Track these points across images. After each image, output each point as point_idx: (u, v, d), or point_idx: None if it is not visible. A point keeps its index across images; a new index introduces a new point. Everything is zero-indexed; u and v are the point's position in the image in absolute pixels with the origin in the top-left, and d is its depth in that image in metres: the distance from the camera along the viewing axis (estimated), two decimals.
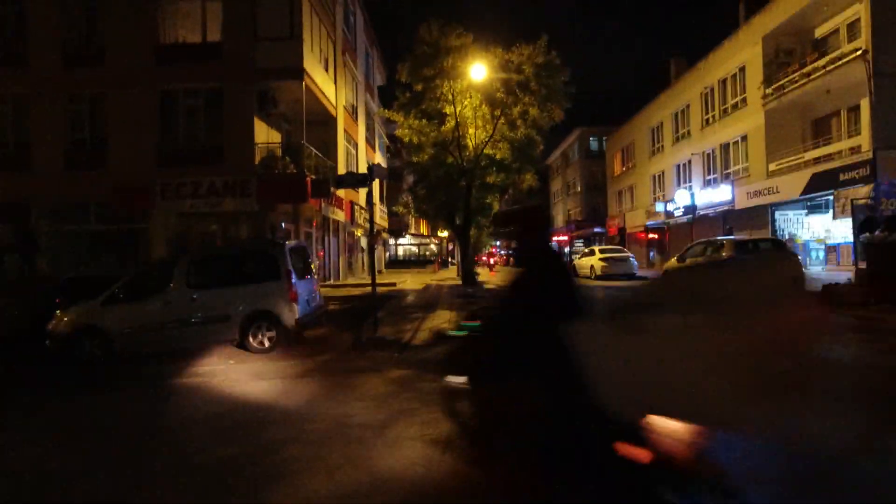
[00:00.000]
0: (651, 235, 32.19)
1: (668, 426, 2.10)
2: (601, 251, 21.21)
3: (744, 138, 21.18)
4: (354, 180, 8.83)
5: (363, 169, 24.58)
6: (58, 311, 7.89)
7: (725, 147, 22.69)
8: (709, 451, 2.12)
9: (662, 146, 29.31)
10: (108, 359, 7.36)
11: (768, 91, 18.72)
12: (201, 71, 14.81)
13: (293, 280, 7.90)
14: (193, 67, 14.82)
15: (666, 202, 27.81)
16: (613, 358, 2.10)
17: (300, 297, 8.00)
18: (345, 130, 20.87)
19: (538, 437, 2.41)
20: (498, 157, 18.19)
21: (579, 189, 47.16)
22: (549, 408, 2.38)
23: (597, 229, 41.07)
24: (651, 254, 32.95)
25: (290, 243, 8.51)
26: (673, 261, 13.67)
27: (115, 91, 14.99)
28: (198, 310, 7.62)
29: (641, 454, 2.14)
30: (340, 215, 19.41)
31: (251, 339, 7.65)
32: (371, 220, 8.74)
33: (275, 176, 14.50)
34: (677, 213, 26.35)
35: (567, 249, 47.99)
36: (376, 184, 29.53)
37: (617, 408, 2.10)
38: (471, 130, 18.47)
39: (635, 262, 20.98)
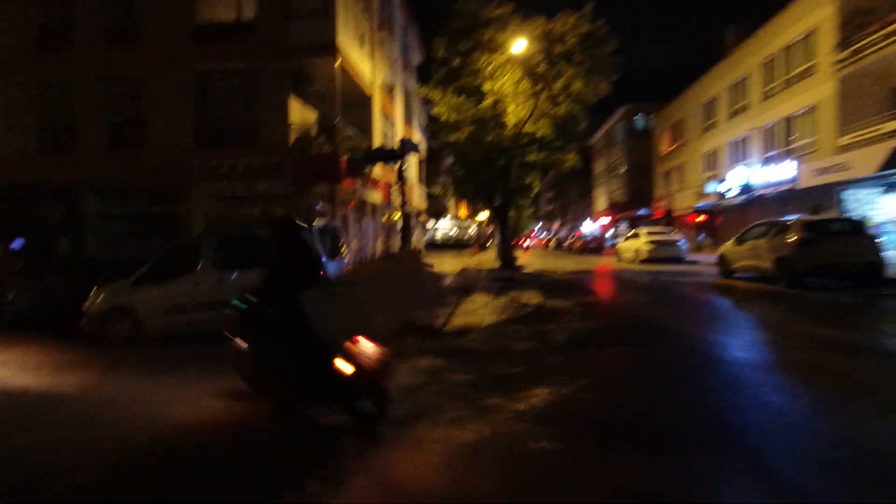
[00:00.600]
0: (701, 218, 30.46)
1: (366, 348, 3.54)
2: (648, 233, 20.09)
3: (811, 110, 19.39)
4: (385, 155, 8.40)
5: None
6: (92, 292, 7.87)
7: (789, 120, 20.88)
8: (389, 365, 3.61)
9: (716, 122, 27.42)
10: (138, 340, 7.27)
11: (843, 55, 16.94)
12: (236, 50, 14.63)
13: (323, 261, 7.57)
14: (228, 47, 14.65)
15: (718, 182, 26.09)
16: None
17: (336, 269, 7.70)
18: (381, 109, 20.43)
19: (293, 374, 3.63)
20: (539, 134, 17.36)
21: (623, 170, 45.23)
22: (294, 349, 3.62)
23: (641, 211, 39.30)
24: (700, 237, 31.23)
25: (318, 223, 8.19)
26: (729, 243, 12.59)
27: (153, 72, 15.03)
28: (225, 291, 7.42)
29: (347, 369, 3.44)
30: (377, 197, 19.09)
31: None
32: (403, 197, 8.25)
33: (309, 156, 14.24)
34: (731, 193, 24.66)
35: (610, 232, 46.41)
36: (414, 165, 29.18)
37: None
38: (510, 107, 17.68)
39: (684, 246, 19.76)
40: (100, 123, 15.36)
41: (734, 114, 25.52)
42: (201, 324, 7.40)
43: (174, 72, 14.86)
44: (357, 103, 18.32)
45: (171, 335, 7.33)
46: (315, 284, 3.97)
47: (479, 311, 8.16)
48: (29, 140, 15.59)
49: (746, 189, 23.35)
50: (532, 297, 9.37)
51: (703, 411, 3.56)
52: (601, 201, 53.75)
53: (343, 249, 9.16)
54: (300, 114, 15.07)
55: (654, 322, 7.09)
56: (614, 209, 44.98)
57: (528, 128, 17.41)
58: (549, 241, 58.50)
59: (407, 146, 7.83)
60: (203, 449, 3.41)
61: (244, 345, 4.10)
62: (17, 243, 16.41)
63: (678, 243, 19.45)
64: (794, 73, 20.34)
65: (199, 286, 7.42)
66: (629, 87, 41.23)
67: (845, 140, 17.37)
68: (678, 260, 19.45)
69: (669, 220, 34.32)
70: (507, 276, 14.02)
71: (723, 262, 12.64)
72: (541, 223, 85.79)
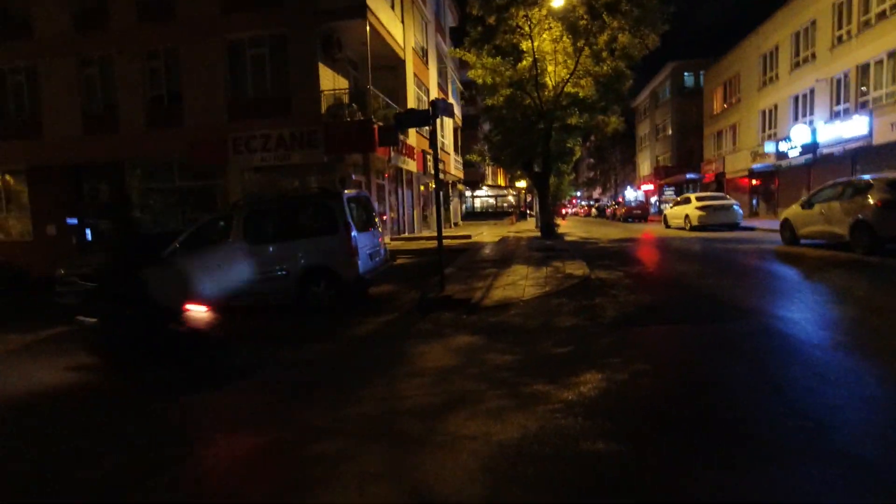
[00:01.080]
0: (755, 181, 28.51)
1: (197, 312, 5.86)
2: (698, 198, 18.81)
3: (892, 55, 17.35)
4: (417, 118, 7.85)
5: None
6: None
7: (864, 68, 18.81)
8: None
9: (776, 75, 25.18)
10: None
11: None
12: (265, 16, 14.24)
13: (353, 233, 7.25)
14: (257, 14, 14.27)
15: (778, 141, 24.13)
16: None
17: (361, 252, 7.37)
18: (414, 75, 19.73)
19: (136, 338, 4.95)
20: (581, 95, 16.29)
21: (670, 132, 42.81)
22: (136, 318, 4.79)
23: (689, 175, 37.21)
24: (754, 201, 29.29)
25: (348, 192, 7.83)
26: (794, 207, 11.48)
27: (186, 44, 14.89)
28: (255, 265, 7.23)
29: (181, 327, 5.66)
30: (412, 165, 18.61)
31: (309, 297, 7.19)
32: (436, 163, 7.77)
33: (342, 125, 13.86)
34: (793, 152, 22.76)
35: (654, 198, 44.38)
36: (449, 133, 28.40)
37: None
38: (550, 67, 16.64)
39: (740, 211, 18.41)
40: (138, 100, 15.45)
41: (797, 65, 23.31)
42: (232, 297, 7.29)
43: (205, 43, 14.67)
44: (389, 68, 17.73)
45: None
46: (151, 264, 5.24)
47: (520, 283, 7.67)
48: (75, 121, 15.88)
49: (810, 147, 21.45)
50: (576, 268, 8.77)
51: (787, 406, 2.99)
52: (645, 166, 51.36)
53: (377, 220, 8.80)
54: (331, 81, 14.65)
55: (716, 295, 6.41)
56: (660, 174, 42.85)
57: (569, 88, 16.38)
58: (590, 208, 56.74)
59: (439, 107, 7.26)
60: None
61: (92, 320, 5.20)
62: (71, 221, 17.07)
63: (733, 208, 18.13)
64: (873, 12, 18.18)
65: (230, 258, 7.26)
66: (676, 43, 38.35)
67: None
68: (733, 226, 18.18)
69: (720, 184, 32.34)
70: (549, 246, 13.39)
71: (787, 227, 11.57)
72: (581, 191, 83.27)
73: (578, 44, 15.62)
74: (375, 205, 8.91)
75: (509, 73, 16.86)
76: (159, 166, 15.91)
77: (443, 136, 26.39)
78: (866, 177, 9.72)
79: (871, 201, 8.72)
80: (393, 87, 18.03)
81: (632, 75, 16.06)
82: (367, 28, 14.05)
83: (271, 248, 7.45)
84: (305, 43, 14.11)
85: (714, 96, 34.13)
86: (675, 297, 6.60)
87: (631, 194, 53.79)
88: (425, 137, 21.27)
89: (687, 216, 18.88)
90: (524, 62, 16.62)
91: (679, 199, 20.83)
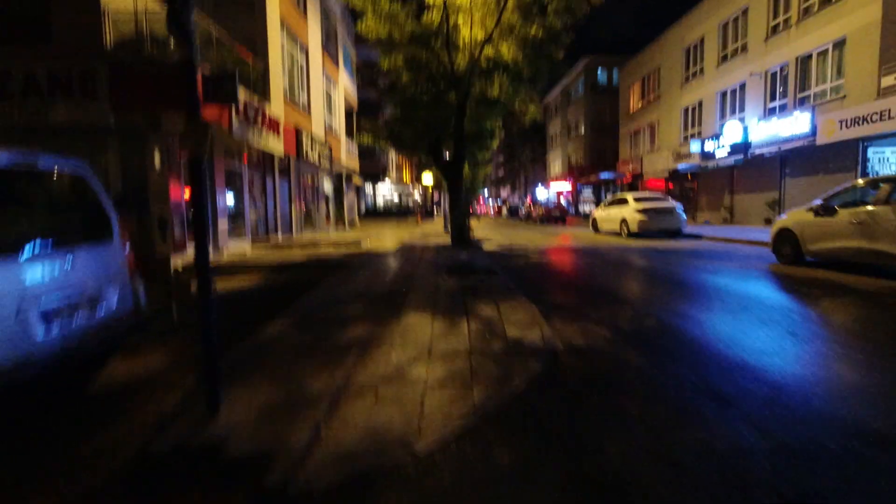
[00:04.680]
0: (671, 184, 26.96)
1: None
2: (637, 199, 15.82)
3: (839, 44, 15.50)
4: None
5: (318, 85, 18.42)
6: None
7: (805, 60, 16.99)
8: None
9: (702, 69, 23.41)
10: None
11: None
12: None
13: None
14: None
15: (704, 139, 22.28)
16: None
17: (22, 304, 2.62)
18: (282, 22, 14.60)
19: None
20: (505, 58, 12.38)
21: (583, 130, 41.21)
22: None
23: (604, 175, 35.54)
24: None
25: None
26: (799, 213, 8.34)
27: None
28: None
29: None
30: (276, 144, 13.51)
31: None
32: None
33: (141, 64, 8.59)
34: (720, 152, 20.92)
35: (564, 199, 42.64)
36: (340, 112, 23.31)
37: None
38: (464, 27, 12.54)
39: (683, 216, 15.68)
40: None
41: (726, 58, 21.53)
42: None
43: None
44: (242, 2, 12.57)
45: None
46: None
47: (414, 376, 3.33)
48: None
49: (741, 147, 19.60)
50: (522, 321, 4.62)
51: None
52: (556, 165, 49.87)
53: (110, 223, 3.92)
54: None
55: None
56: (574, 173, 41.10)
57: (488, 51, 12.40)
58: (500, 208, 54.38)
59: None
60: None
61: None
62: None
63: (675, 212, 15.34)
64: None
65: None
66: (590, 38, 36.59)
67: (890, 81, 13.59)
68: (676, 233, 15.41)
69: (633, 186, 30.72)
70: (465, 262, 9.22)
71: (786, 240, 8.42)
72: (487, 189, 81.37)
73: None
74: (106, 195, 3.96)
75: (410, 27, 12.52)
76: None
77: (331, 117, 21.38)
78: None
79: None
80: (249, 34, 12.85)
81: (568, 36, 12.39)
82: None
83: None
84: None
85: (630, 93, 32.49)
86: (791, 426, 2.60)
87: (542, 194, 52.11)
88: (299, 108, 16.18)
89: (624, 220, 15.83)
90: (430, 15, 12.43)
91: (612, 199, 17.83)
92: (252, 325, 4.65)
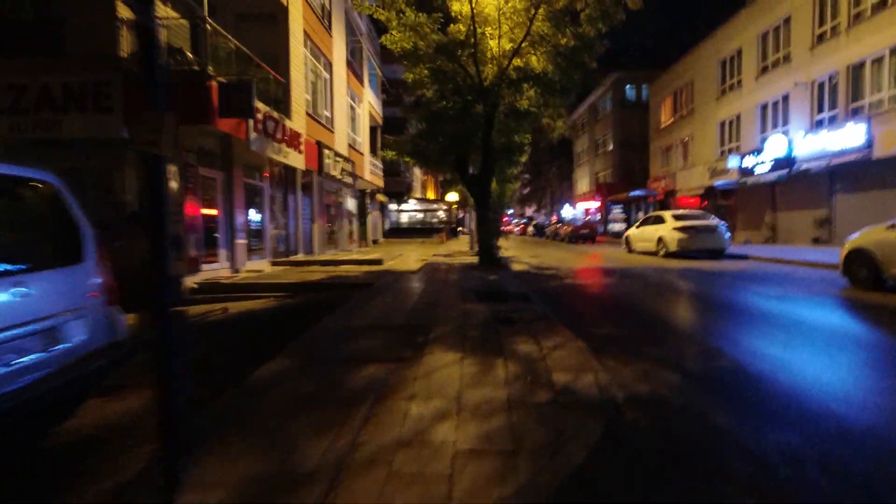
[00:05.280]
0: (704, 201, 25.69)
1: None
2: (676, 217, 14.84)
3: None
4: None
5: (342, 100, 18.11)
6: None
7: (857, 68, 15.87)
8: None
9: (739, 81, 22.37)
10: None
11: None
12: None
13: None
14: None
15: (743, 154, 21.14)
16: None
17: None
18: (306, 36, 14.33)
19: None
20: (535, 68, 11.75)
21: (611, 147, 40.23)
22: None
23: (635, 192, 34.37)
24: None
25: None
26: (878, 231, 7.34)
27: None
28: None
29: None
30: (297, 159, 13.09)
31: None
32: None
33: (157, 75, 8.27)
34: (761, 168, 19.75)
35: (593, 217, 41.50)
36: (364, 128, 23.07)
37: None
38: (492, 42, 12.01)
39: (727, 234, 14.61)
40: None
41: (767, 68, 20.47)
42: None
43: None
44: (264, 17, 12.33)
45: None
46: None
47: (437, 437, 2.61)
48: None
49: (785, 162, 18.42)
50: (568, 364, 3.83)
51: None
52: (584, 183, 48.83)
53: (81, 242, 3.35)
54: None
55: None
56: (602, 191, 40.01)
57: (517, 61, 11.81)
58: (525, 226, 53.43)
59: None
60: None
61: None
62: None
63: (718, 230, 14.29)
64: (869, 1, 15.29)
65: None
66: (619, 52, 35.89)
67: None
68: (719, 253, 14.32)
69: (665, 204, 29.50)
70: (494, 285, 8.46)
71: (863, 261, 7.42)
72: (512, 208, 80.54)
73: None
74: (80, 211, 3.35)
75: (437, 38, 12.04)
76: None
77: (355, 133, 21.10)
78: None
79: None
80: (271, 49, 12.56)
81: (602, 46, 11.68)
82: None
83: None
84: None
85: (661, 108, 31.52)
86: None
87: (569, 212, 51.04)
88: (321, 123, 15.84)
89: (661, 239, 14.84)
90: (457, 25, 11.95)
91: (647, 217, 16.87)
92: (250, 361, 3.99)
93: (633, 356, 4.21)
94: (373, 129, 25.12)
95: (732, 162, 21.81)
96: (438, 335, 4.60)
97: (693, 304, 7.07)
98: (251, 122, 9.69)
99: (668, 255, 14.50)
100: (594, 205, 42.51)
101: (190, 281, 9.79)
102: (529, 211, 77.86)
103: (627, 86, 39.06)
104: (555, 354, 4.00)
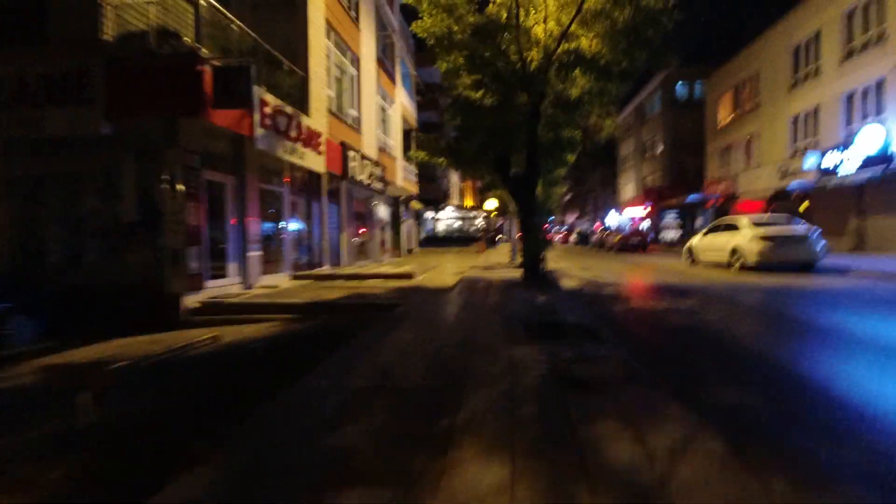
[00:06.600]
0: (773, 205, 22.90)
1: None
2: (756, 224, 12.65)
3: None
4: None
5: (371, 100, 16.78)
6: None
7: None
8: None
9: (817, 69, 19.76)
10: None
11: None
12: None
13: None
14: None
15: (825, 151, 18.51)
16: None
17: None
18: (327, 24, 13.04)
19: None
20: (589, 52, 10.00)
21: (661, 149, 37.56)
22: None
23: (692, 197, 31.66)
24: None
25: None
26: None
27: None
28: None
29: None
30: (316, 161, 11.74)
31: None
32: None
33: (142, 61, 7.04)
34: (846, 166, 17.14)
35: (644, 224, 38.83)
36: (397, 130, 21.65)
37: None
38: (537, 21, 10.35)
39: (821, 242, 12.30)
40: None
41: (852, 53, 17.87)
42: None
43: None
44: (279, 3, 11.10)
45: None
46: None
47: None
48: None
49: (880, 158, 15.82)
50: (696, 466, 2.09)
51: None
52: (629, 188, 46.12)
53: None
54: None
55: None
56: (651, 196, 37.37)
57: (567, 43, 10.08)
58: (568, 234, 51.02)
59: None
60: None
61: None
62: None
63: (808, 239, 12.02)
64: None
65: None
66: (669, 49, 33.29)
67: None
68: (809, 266, 12.03)
69: (723, 210, 26.76)
70: (543, 310, 6.70)
71: None
72: (553, 216, 77.88)
73: None
74: None
75: (473, 19, 10.49)
76: None
77: (386, 136, 19.77)
78: None
79: None
80: (289, 40, 11.32)
81: (671, 18, 9.78)
82: None
83: None
84: None
85: (719, 105, 28.87)
86: None
87: (614, 218, 48.35)
88: (347, 123, 14.49)
89: (735, 250, 12.66)
90: (494, 6, 10.39)
91: (716, 224, 14.68)
92: (175, 454, 2.45)
93: (808, 461, 2.41)
94: (406, 133, 23.80)
95: (810, 160, 19.19)
96: (471, 416, 2.90)
97: (847, 348, 5.09)
98: (257, 116, 8.37)
99: (745, 268, 12.31)
100: (641, 211, 39.86)
101: (191, 300, 8.54)
102: (571, 218, 75.13)
103: (678, 83, 36.39)
104: (674, 458, 2.26)
